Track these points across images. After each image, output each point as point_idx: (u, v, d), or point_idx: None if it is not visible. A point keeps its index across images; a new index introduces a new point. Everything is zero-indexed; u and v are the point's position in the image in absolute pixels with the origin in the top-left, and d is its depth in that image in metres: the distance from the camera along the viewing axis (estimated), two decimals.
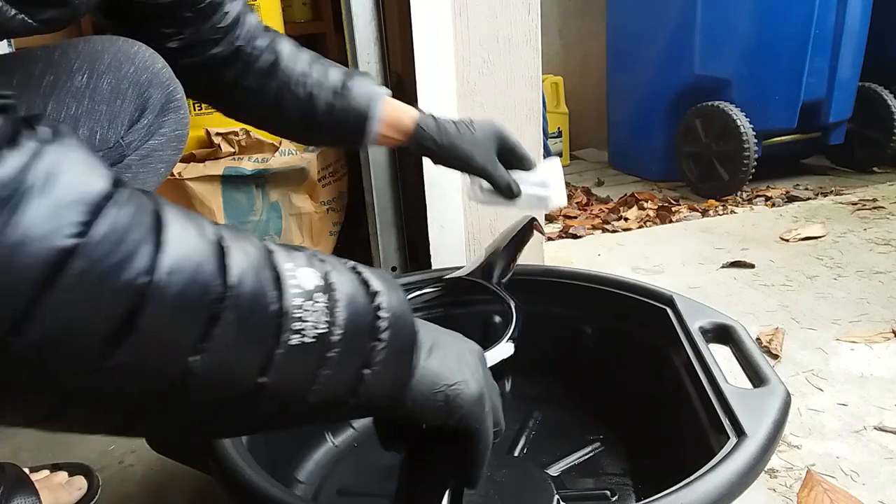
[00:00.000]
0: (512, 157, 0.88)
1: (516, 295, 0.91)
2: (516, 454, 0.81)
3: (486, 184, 0.87)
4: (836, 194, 2.13)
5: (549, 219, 2.15)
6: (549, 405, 0.89)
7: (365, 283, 0.42)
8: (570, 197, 2.50)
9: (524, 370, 0.93)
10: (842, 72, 2.32)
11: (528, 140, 1.22)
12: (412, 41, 1.08)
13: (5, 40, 1.18)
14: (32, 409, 0.31)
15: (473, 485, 0.49)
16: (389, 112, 0.83)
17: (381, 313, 0.41)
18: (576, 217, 2.18)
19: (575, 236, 1.88)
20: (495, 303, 0.84)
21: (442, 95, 1.13)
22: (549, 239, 1.84)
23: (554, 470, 0.77)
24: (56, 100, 0.59)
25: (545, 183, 0.87)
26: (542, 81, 1.63)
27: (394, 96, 1.23)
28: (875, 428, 0.88)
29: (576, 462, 0.79)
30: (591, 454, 0.80)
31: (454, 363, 0.46)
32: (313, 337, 0.37)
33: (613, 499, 0.72)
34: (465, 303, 0.91)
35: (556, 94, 3.11)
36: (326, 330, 0.37)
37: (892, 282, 1.34)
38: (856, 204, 1.90)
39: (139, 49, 0.65)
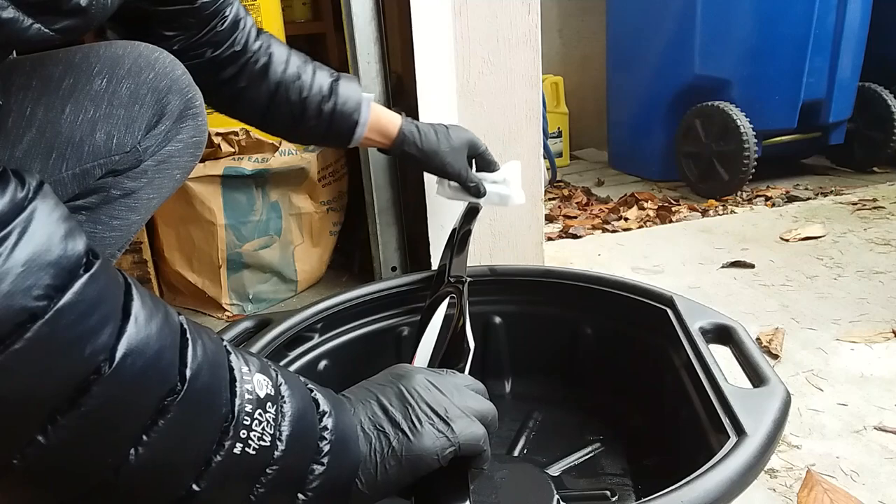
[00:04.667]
0: (480, 161, 0.98)
1: (517, 296, 0.92)
2: (516, 454, 0.81)
3: (454, 182, 0.97)
4: (836, 194, 2.13)
5: (550, 219, 2.15)
6: (549, 405, 0.89)
7: (315, 402, 0.41)
8: (569, 197, 2.51)
9: (524, 370, 0.93)
10: (842, 72, 2.32)
11: (528, 140, 1.22)
12: (412, 41, 1.08)
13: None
14: None
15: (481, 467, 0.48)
16: (375, 117, 0.89)
17: (327, 434, 0.40)
18: (576, 217, 2.18)
19: (575, 236, 1.88)
20: (492, 303, 0.84)
21: (442, 95, 1.13)
22: (549, 239, 1.84)
23: (554, 470, 0.77)
24: (74, 102, 0.59)
25: (507, 182, 0.99)
26: (542, 81, 1.62)
27: (394, 96, 1.23)
28: (875, 428, 0.88)
29: (576, 462, 0.79)
30: (591, 454, 0.80)
31: (389, 420, 0.43)
32: (255, 449, 0.35)
33: (613, 499, 0.72)
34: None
35: (556, 94, 3.11)
36: (269, 444, 0.36)
37: (892, 282, 1.33)
38: (856, 204, 1.90)
39: (160, 55, 0.65)
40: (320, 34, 1.75)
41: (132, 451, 0.31)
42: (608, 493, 0.73)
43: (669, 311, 0.76)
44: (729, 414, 0.56)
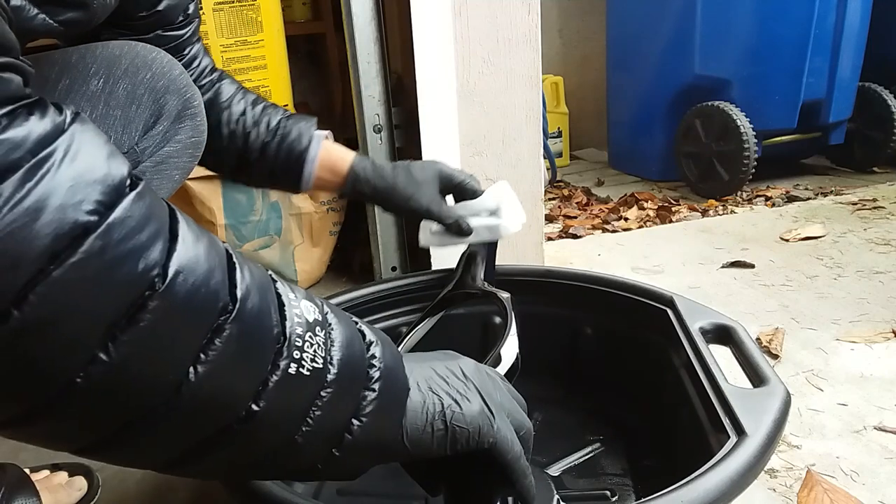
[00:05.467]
0: (459, 192, 0.86)
1: (517, 295, 0.92)
2: None
3: (435, 225, 0.85)
4: (836, 194, 2.13)
5: (550, 219, 2.15)
6: (549, 405, 0.89)
7: (361, 332, 0.41)
8: (569, 197, 2.50)
9: (524, 370, 0.93)
10: (842, 72, 2.32)
11: (528, 140, 1.22)
12: (412, 41, 1.08)
13: None
14: (12, 405, 0.29)
15: (527, 499, 0.47)
16: (326, 154, 0.82)
17: (375, 362, 0.40)
18: (576, 217, 2.18)
19: (575, 236, 1.88)
20: (491, 303, 0.84)
21: (442, 95, 1.13)
22: (549, 239, 1.84)
23: (554, 470, 0.77)
24: (70, 103, 0.59)
25: (497, 209, 0.85)
26: (542, 81, 1.62)
27: (394, 96, 1.23)
28: (875, 428, 0.88)
29: (576, 462, 0.79)
30: (591, 454, 0.80)
31: (443, 386, 0.44)
32: (309, 370, 0.36)
33: (613, 499, 0.72)
34: (464, 303, 0.91)
35: (556, 94, 3.11)
36: (322, 366, 0.36)
37: (892, 282, 1.34)
38: (856, 204, 1.90)
39: (157, 55, 0.65)
40: (320, 34, 1.75)
41: (191, 369, 0.31)
42: (608, 493, 0.73)
43: (669, 311, 0.76)
44: (729, 414, 0.56)
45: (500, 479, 0.46)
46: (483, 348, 0.92)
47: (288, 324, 0.36)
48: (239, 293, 0.33)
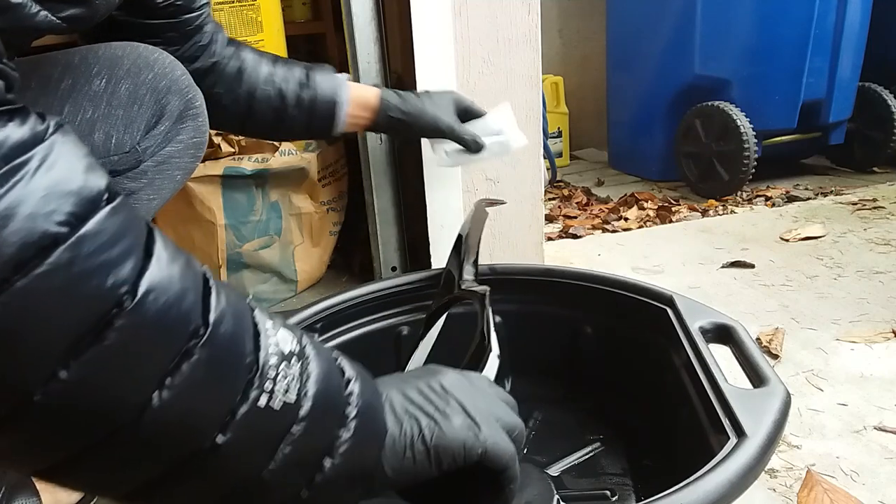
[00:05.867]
0: (469, 115, 0.96)
1: (517, 295, 0.92)
2: None
3: (448, 147, 0.95)
4: (836, 194, 2.13)
5: (550, 219, 2.15)
6: (549, 405, 0.89)
7: (340, 368, 0.40)
8: (569, 197, 2.50)
9: (524, 370, 0.93)
10: (842, 72, 2.32)
11: (528, 140, 1.22)
12: (412, 41, 1.08)
13: None
14: None
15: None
16: (354, 93, 0.89)
17: (353, 399, 0.39)
18: (576, 217, 2.18)
19: (575, 236, 1.88)
20: (491, 303, 0.83)
21: None
22: (549, 239, 1.84)
23: (554, 470, 0.77)
24: (73, 103, 0.59)
25: (500, 131, 0.96)
26: (542, 81, 1.62)
27: None
28: (875, 428, 0.88)
29: (576, 462, 0.79)
30: (591, 454, 0.80)
31: (422, 405, 0.43)
32: (280, 404, 0.34)
33: (613, 499, 0.72)
34: (464, 303, 0.91)
35: (556, 94, 3.11)
36: (295, 401, 0.35)
37: (892, 282, 1.33)
38: (856, 204, 1.90)
39: (160, 56, 0.65)
40: (320, 34, 1.75)
41: (156, 393, 0.30)
42: (608, 493, 0.73)
43: (669, 311, 0.75)
44: (729, 414, 0.56)
45: (490, 489, 0.45)
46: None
47: (262, 353, 0.34)
48: (212, 317, 0.32)
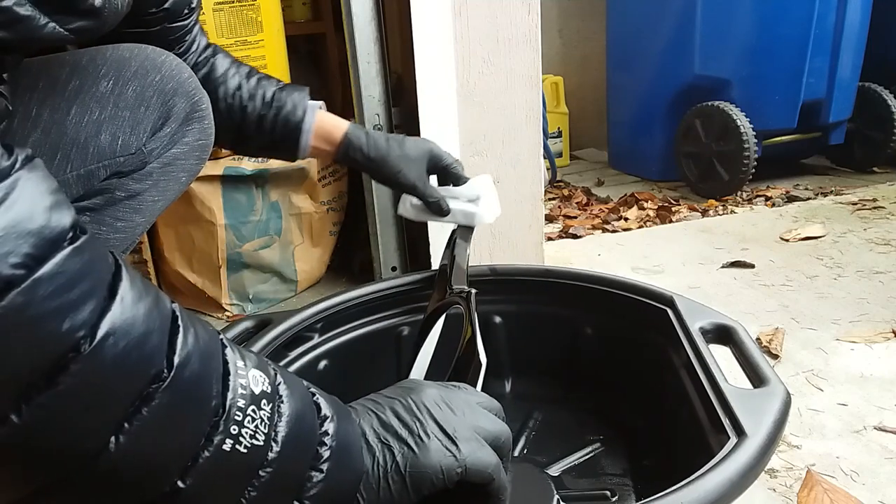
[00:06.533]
0: (445, 174, 0.91)
1: (517, 295, 0.92)
2: (516, 454, 0.81)
3: (415, 199, 0.90)
4: (836, 194, 2.13)
5: (550, 219, 2.15)
6: (549, 405, 0.89)
7: (316, 406, 0.39)
8: (569, 197, 2.50)
9: (524, 370, 0.93)
10: (842, 72, 2.32)
11: (528, 140, 1.22)
12: (412, 41, 1.08)
13: None
14: None
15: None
16: (320, 123, 0.85)
17: (327, 440, 0.38)
18: (576, 217, 2.18)
19: (575, 236, 1.88)
20: (490, 303, 0.83)
21: (442, 95, 1.13)
22: (549, 239, 1.84)
23: (554, 470, 0.77)
24: (80, 104, 0.59)
25: (477, 198, 0.89)
26: (542, 81, 1.62)
27: (394, 96, 1.23)
28: (875, 428, 0.88)
29: (576, 462, 0.79)
30: (591, 454, 0.80)
31: (396, 430, 0.42)
32: (247, 448, 0.34)
33: (613, 499, 0.72)
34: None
35: (556, 94, 3.11)
36: (263, 443, 0.34)
37: (892, 282, 1.33)
38: (856, 204, 1.90)
39: (167, 58, 0.65)
40: (320, 34, 1.75)
41: (113, 438, 0.29)
42: (608, 493, 0.73)
43: (669, 311, 0.75)
44: (729, 414, 0.56)
45: (482, 500, 0.45)
46: (484, 347, 0.92)
47: (229, 395, 0.34)
48: (177, 359, 0.31)
